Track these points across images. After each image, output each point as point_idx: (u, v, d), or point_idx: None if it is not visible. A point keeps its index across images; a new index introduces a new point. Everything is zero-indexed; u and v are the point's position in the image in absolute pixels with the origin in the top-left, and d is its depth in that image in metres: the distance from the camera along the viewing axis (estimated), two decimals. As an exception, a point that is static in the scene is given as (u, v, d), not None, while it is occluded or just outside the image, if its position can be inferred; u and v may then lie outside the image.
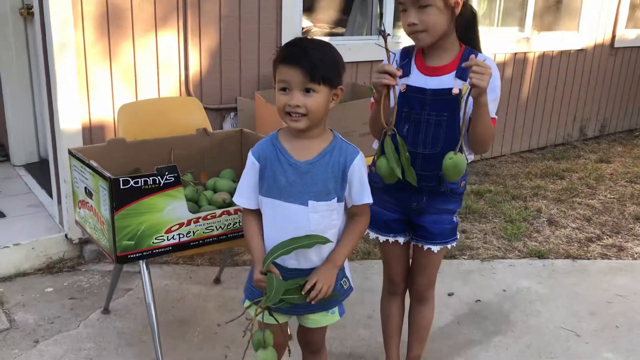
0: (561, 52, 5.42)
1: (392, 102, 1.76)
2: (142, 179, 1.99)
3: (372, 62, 4.15)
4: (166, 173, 2.03)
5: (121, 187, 1.96)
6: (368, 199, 1.75)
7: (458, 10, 1.81)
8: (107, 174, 1.96)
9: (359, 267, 3.19)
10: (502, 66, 4.98)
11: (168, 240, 2.09)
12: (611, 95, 6.09)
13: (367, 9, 4.41)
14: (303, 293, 1.65)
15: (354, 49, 4.04)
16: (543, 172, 4.85)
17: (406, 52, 1.91)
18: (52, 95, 3.04)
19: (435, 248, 1.98)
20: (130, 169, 2.42)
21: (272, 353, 1.63)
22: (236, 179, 2.58)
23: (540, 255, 3.37)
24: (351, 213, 1.79)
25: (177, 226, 2.09)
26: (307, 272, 1.70)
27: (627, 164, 5.16)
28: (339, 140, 1.73)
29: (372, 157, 3.30)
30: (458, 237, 2.06)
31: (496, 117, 1.89)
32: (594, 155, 5.44)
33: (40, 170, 4.10)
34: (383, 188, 1.96)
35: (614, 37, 5.82)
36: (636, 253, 3.45)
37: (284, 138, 1.72)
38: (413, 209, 1.96)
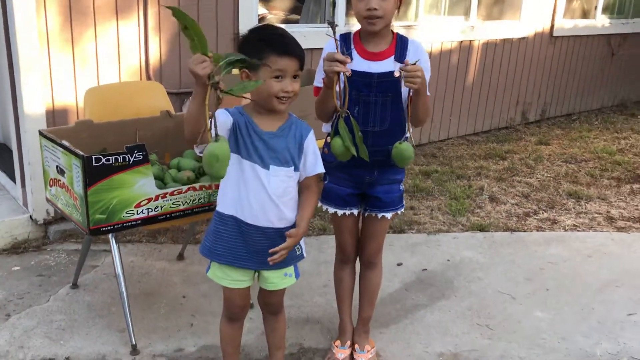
0: (504, 40, 5.73)
1: (341, 87, 1.96)
2: (113, 157, 2.14)
3: (325, 48, 4.33)
4: (135, 151, 2.18)
5: (94, 164, 2.10)
6: (321, 168, 1.99)
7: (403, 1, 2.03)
8: (80, 152, 2.10)
9: (315, 242, 3.40)
10: (448, 53, 5.25)
11: (138, 214, 2.25)
12: (551, 82, 6.46)
13: (321, -2, 4.59)
14: (269, 259, 1.86)
15: (309, 36, 4.21)
16: (486, 154, 5.15)
17: (344, 40, 2.10)
18: (16, 80, 3.12)
19: (388, 215, 2.22)
20: (98, 149, 2.56)
21: (222, 144, 1.63)
22: (199, 158, 2.74)
23: (482, 229, 3.65)
24: (305, 185, 2.00)
25: (146, 201, 2.25)
26: (263, 229, 1.90)
27: (564, 146, 5.52)
28: (294, 118, 1.97)
29: (323, 139, 3.50)
30: (404, 204, 2.29)
31: (429, 94, 2.11)
32: (535, 137, 5.79)
33: (0, 155, 4.15)
34: (337, 166, 2.16)
35: (552, 26, 6.17)
36: (567, 225, 3.77)
37: (249, 111, 1.90)
38: (366, 182, 2.17)
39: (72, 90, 3.30)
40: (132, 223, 2.25)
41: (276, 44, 1.81)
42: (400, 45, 2.07)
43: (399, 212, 2.26)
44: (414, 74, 1.90)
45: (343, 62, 1.86)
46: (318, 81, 2.12)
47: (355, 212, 2.25)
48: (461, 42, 5.35)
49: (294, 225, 1.96)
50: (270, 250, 1.85)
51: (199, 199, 2.38)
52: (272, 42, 1.81)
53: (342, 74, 1.91)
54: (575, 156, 5.18)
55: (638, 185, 4.51)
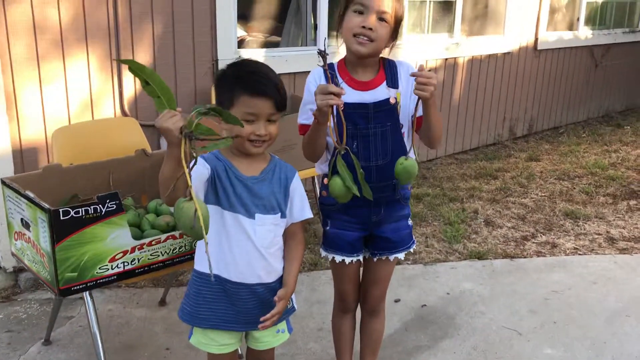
0: (489, 56, 5.62)
1: (335, 121, 1.78)
2: (83, 209, 1.94)
3: (308, 72, 4.15)
4: (107, 201, 1.97)
5: (61, 218, 1.90)
6: (309, 213, 1.83)
7: (397, 30, 1.86)
8: (46, 206, 1.90)
9: (307, 279, 3.21)
10: (434, 71, 5.10)
11: (112, 269, 2.04)
12: (537, 95, 6.36)
13: (302, 20, 4.43)
14: (260, 325, 1.67)
15: (290, 60, 4.06)
16: (477, 173, 5.01)
17: (329, 69, 1.92)
18: (-22, 119, 2.91)
19: (401, 255, 2.04)
20: (68, 195, 2.36)
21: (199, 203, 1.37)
22: (179, 199, 2.55)
23: (480, 256, 3.49)
24: (290, 233, 1.83)
25: (121, 254, 2.05)
26: (252, 287, 1.73)
27: (555, 162, 5.40)
28: (277, 159, 1.81)
29: (312, 169, 3.32)
30: (415, 239, 2.11)
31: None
32: (524, 153, 5.67)
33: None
34: (340, 209, 1.97)
35: (536, 40, 6.08)
36: (568, 249, 3.62)
37: (227, 155, 1.73)
38: (373, 222, 1.99)
39: (41, 128, 3.09)
40: (107, 279, 2.04)
41: (248, 83, 1.65)
42: (389, 70, 1.91)
43: (412, 249, 2.08)
44: (429, 80, 1.72)
45: (338, 94, 1.69)
46: (304, 118, 1.94)
47: (362, 257, 2.07)
48: (446, 59, 5.22)
49: (281, 279, 1.78)
50: (262, 319, 1.66)
51: (179, 248, 2.18)
52: (244, 81, 1.65)
53: (335, 107, 1.73)
54: (568, 172, 5.05)
55: (635, 202, 4.39)
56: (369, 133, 1.87)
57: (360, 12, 1.80)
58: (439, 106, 5.22)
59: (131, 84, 3.40)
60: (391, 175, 1.90)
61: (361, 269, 2.14)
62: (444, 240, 3.70)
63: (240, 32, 4.65)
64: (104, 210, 1.97)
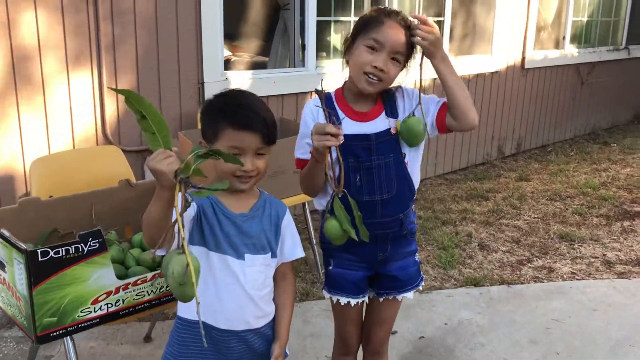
0: (477, 75, 5.57)
1: (333, 160, 1.69)
2: (63, 248, 1.80)
3: (297, 94, 4.08)
4: (90, 239, 1.84)
5: (40, 259, 1.76)
6: (300, 252, 1.74)
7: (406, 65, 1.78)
8: (22, 246, 1.76)
9: (298, 310, 3.07)
10: (424, 92, 5.03)
11: (95, 311, 1.90)
12: (525, 114, 6.33)
13: (289, 40, 4.34)
14: None
15: (278, 81, 3.96)
16: (468, 194, 4.93)
17: (326, 100, 1.81)
18: (-48, 148, 2.76)
19: (409, 294, 1.93)
20: (47, 230, 2.22)
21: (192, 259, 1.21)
22: (165, 231, 2.42)
23: (476, 283, 3.39)
24: (280, 274, 1.73)
25: (105, 295, 1.91)
26: (240, 334, 1.63)
27: (545, 181, 5.34)
28: (266, 195, 1.71)
29: (304, 195, 3.21)
30: (423, 275, 2.01)
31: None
32: (514, 173, 5.61)
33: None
34: (343, 248, 1.86)
35: (523, 58, 6.05)
36: (565, 273, 3.54)
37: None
38: (379, 260, 1.88)
39: (19, 158, 2.94)
40: (89, 323, 1.90)
41: (233, 116, 1.54)
42: (387, 98, 1.82)
43: (420, 287, 1.97)
44: (429, 28, 1.64)
45: (336, 135, 1.59)
46: (300, 152, 1.84)
47: (366, 299, 1.95)
48: (434, 79, 5.13)
49: (272, 322, 1.69)
50: None
51: (167, 286, 2.05)
52: (229, 114, 1.54)
53: (337, 147, 1.63)
54: (559, 193, 4.99)
55: (628, 223, 4.33)
56: (372, 165, 1.77)
57: (373, 48, 1.70)
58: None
59: (113, 109, 3.27)
60: (398, 209, 1.81)
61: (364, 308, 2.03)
62: (438, 266, 3.59)
63: (226, 52, 4.55)
64: (86, 250, 1.84)
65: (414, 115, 1.76)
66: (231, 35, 4.50)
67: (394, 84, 1.81)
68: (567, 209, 4.61)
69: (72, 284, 1.83)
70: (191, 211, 1.52)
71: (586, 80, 7.04)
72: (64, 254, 1.80)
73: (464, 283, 3.40)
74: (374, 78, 1.71)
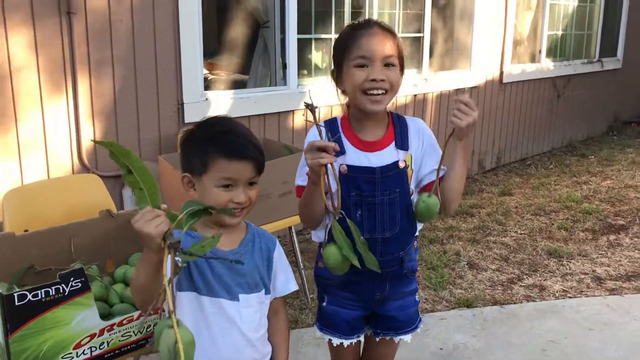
0: (457, 91, 5.55)
1: (333, 183, 1.58)
2: (43, 290, 1.66)
3: (279, 113, 3.98)
4: (71, 279, 1.71)
5: (16, 303, 1.62)
6: (294, 285, 1.64)
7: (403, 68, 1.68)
8: (-3, 290, 1.62)
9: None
10: (403, 108, 5.00)
11: (78, 356, 1.76)
12: (504, 128, 6.33)
13: (270, 59, 4.25)
14: None
15: (260, 101, 3.86)
16: (453, 211, 4.87)
17: (331, 127, 1.72)
18: None
19: (407, 337, 1.82)
20: (23, 267, 2.07)
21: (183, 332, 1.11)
22: (149, 263, 2.29)
23: (469, 304, 3.31)
24: (272, 309, 1.63)
25: (88, 338, 1.77)
26: None
27: (527, 196, 5.32)
28: (253, 227, 1.60)
29: (291, 218, 3.09)
30: (421, 317, 1.90)
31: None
32: (496, 188, 5.58)
33: None
34: (339, 284, 1.76)
35: (501, 73, 6.06)
36: (557, 291, 3.48)
37: (200, 228, 1.50)
38: (377, 300, 1.77)
39: (-11, 185, 2.79)
40: (71, 369, 1.76)
41: (225, 145, 1.44)
42: (399, 128, 1.70)
43: (418, 329, 1.86)
44: (469, 110, 1.52)
45: (327, 149, 1.47)
46: (301, 180, 1.73)
47: (362, 338, 1.84)
48: (415, 95, 5.12)
49: None
50: None
51: (154, 325, 1.92)
52: (220, 143, 1.44)
53: (332, 165, 1.50)
54: (543, 207, 4.97)
55: (614, 237, 4.31)
56: (375, 201, 1.65)
57: (363, 66, 1.60)
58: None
59: (89, 133, 3.13)
60: (399, 248, 1.69)
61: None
62: (429, 287, 3.51)
63: (204, 71, 4.44)
64: (67, 290, 1.71)
65: (431, 195, 1.63)
66: (208, 53, 4.39)
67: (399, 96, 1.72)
68: (552, 223, 4.58)
69: (52, 329, 1.70)
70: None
71: (562, 93, 7.09)
72: (43, 296, 1.67)
73: (456, 304, 3.32)
74: (378, 92, 1.60)
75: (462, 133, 1.57)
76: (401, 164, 1.66)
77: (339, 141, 1.68)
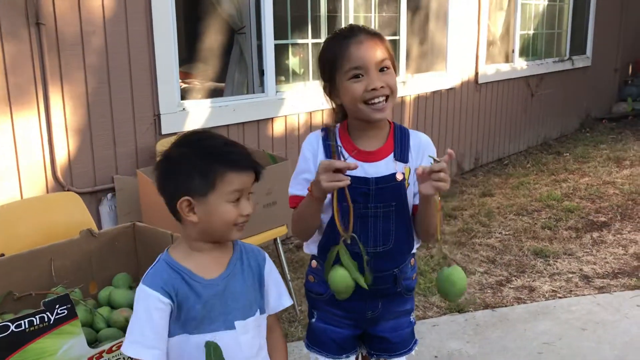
0: (434, 93, 5.53)
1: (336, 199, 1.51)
2: (26, 320, 1.55)
3: (258, 121, 3.89)
4: (57, 306, 1.60)
5: (-2, 335, 1.51)
6: (288, 300, 1.55)
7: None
8: (-24, 322, 1.50)
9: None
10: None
11: (65, 388, 1.65)
12: (480, 129, 6.34)
13: (246, 66, 4.16)
14: None
15: (238, 109, 3.76)
16: (435, 214, 4.83)
17: (328, 136, 1.65)
18: None
19: None
20: (2, 293, 1.95)
21: None
22: (133, 284, 2.18)
23: (460, 309, 3.26)
24: (267, 327, 1.53)
25: (76, 368, 1.66)
26: None
27: (508, 196, 5.32)
28: (240, 243, 1.50)
29: (279, 228, 3.00)
30: (417, 338, 1.82)
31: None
32: (476, 189, 5.57)
33: None
34: (328, 300, 1.68)
35: (477, 74, 6.07)
36: (546, 292, 3.46)
37: (182, 258, 1.41)
38: (368, 319, 1.69)
39: (-41, 206, 2.64)
40: (59, 402, 1.65)
41: (231, 158, 1.36)
42: (400, 139, 1.63)
43: (413, 352, 1.79)
44: (442, 176, 1.44)
45: (344, 170, 1.41)
46: (297, 189, 1.65)
47: (353, 358, 1.77)
48: (418, 94, 5.07)
49: None
50: None
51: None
52: (226, 156, 1.35)
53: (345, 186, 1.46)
54: (525, 207, 4.97)
55: (597, 234, 4.32)
56: (368, 214, 1.58)
57: (358, 76, 1.53)
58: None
59: (64, 147, 3.00)
60: (392, 265, 1.62)
61: None
62: (418, 293, 3.45)
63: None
64: (52, 319, 1.60)
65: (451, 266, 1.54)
66: (182, 61, 4.29)
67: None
68: (535, 223, 4.58)
69: (37, 360, 1.58)
70: (164, 308, 1.35)
71: (535, 92, 7.14)
72: (27, 326, 1.56)
73: (447, 310, 3.27)
74: (380, 100, 1.53)
75: (437, 193, 1.50)
76: (399, 177, 1.59)
77: (336, 150, 1.62)
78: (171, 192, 1.37)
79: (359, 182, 1.57)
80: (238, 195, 1.36)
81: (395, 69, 1.63)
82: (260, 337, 1.48)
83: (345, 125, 1.64)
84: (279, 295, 1.53)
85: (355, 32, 1.58)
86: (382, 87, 1.53)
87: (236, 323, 1.40)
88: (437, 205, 1.53)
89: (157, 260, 1.43)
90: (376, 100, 1.53)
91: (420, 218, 1.61)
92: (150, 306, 1.35)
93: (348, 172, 1.57)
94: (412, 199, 1.64)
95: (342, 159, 1.54)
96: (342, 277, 1.50)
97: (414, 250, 1.70)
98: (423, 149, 1.64)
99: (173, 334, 1.37)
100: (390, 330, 1.71)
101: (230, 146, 1.40)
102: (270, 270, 1.52)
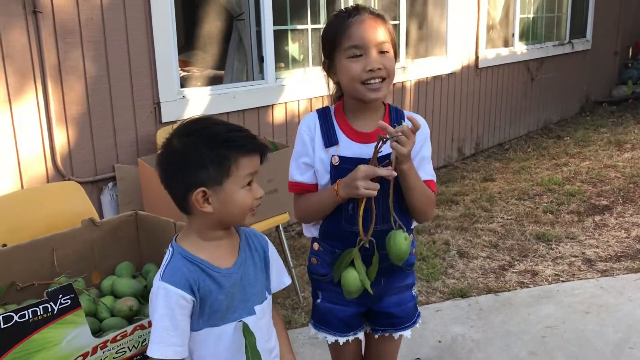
0: (434, 78, 5.50)
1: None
2: (30, 310, 1.54)
3: (258, 108, 3.87)
4: (60, 296, 1.59)
5: (2, 326, 1.50)
6: (288, 279, 1.56)
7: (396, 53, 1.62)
8: (-20, 313, 1.49)
9: (283, 341, 2.86)
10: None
11: (71, 378, 1.65)
12: (481, 113, 6.31)
13: (245, 52, 4.13)
14: None
15: (238, 96, 3.74)
16: (437, 200, 4.82)
17: (324, 115, 1.66)
18: None
19: (406, 333, 1.76)
20: (4, 284, 1.94)
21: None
22: (136, 273, 2.18)
23: (463, 294, 3.26)
24: None
25: (81, 358, 1.65)
26: None
27: (509, 180, 5.31)
28: (240, 228, 1.48)
29: (281, 216, 2.99)
30: (420, 312, 1.84)
31: (434, 178, 1.72)
32: (477, 174, 5.56)
33: None
34: (332, 280, 1.69)
35: (477, 58, 6.04)
36: (549, 276, 3.46)
37: (195, 248, 1.39)
38: (372, 296, 1.70)
39: (-41, 197, 2.62)
40: (64, 392, 1.64)
41: (242, 142, 1.34)
42: (395, 120, 1.64)
43: (417, 324, 1.80)
44: (408, 138, 1.48)
45: (387, 177, 1.48)
46: (299, 174, 1.66)
47: (361, 335, 1.77)
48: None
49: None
50: None
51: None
52: (237, 141, 1.33)
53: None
54: (526, 191, 4.95)
55: (599, 217, 4.31)
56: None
57: (357, 56, 1.53)
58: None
59: (63, 137, 2.98)
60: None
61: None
62: (421, 278, 3.45)
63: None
64: (56, 309, 1.58)
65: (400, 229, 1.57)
66: (183, 49, 4.25)
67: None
68: (537, 207, 4.57)
69: (41, 350, 1.57)
70: (186, 304, 1.34)
71: (535, 76, 7.11)
72: (30, 316, 1.54)
73: (450, 295, 3.27)
74: (376, 81, 1.54)
75: (405, 159, 1.52)
76: (394, 156, 1.59)
77: (332, 131, 1.63)
78: (181, 185, 1.33)
79: (358, 163, 1.57)
80: (250, 179, 1.35)
81: (396, 54, 1.63)
82: (270, 318, 1.50)
83: (342, 105, 1.64)
84: (279, 273, 1.54)
85: (359, 11, 1.59)
86: (379, 68, 1.53)
87: (256, 308, 1.41)
88: (407, 177, 1.55)
89: (168, 254, 1.39)
90: (372, 81, 1.54)
91: (405, 196, 1.62)
92: (172, 304, 1.33)
93: (347, 154, 1.58)
94: None
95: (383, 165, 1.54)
96: (355, 279, 1.55)
97: (412, 227, 1.71)
98: (418, 133, 1.63)
99: (197, 329, 1.36)
100: (394, 305, 1.73)
101: (236, 131, 1.37)
102: (272, 252, 1.52)
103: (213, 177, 1.30)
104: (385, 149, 1.59)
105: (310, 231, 1.75)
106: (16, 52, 2.77)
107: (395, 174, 1.50)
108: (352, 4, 1.66)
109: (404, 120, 1.59)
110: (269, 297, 1.48)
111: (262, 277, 1.46)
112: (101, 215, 3.17)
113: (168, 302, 1.32)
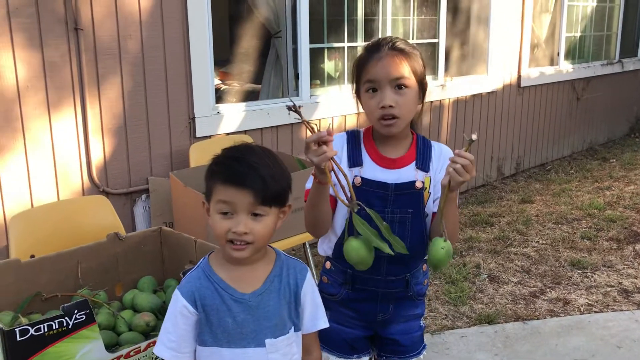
0: (474, 96, 5.44)
1: (341, 177, 1.51)
2: (46, 324, 1.60)
3: (292, 125, 3.91)
4: (75, 311, 1.64)
5: (18, 339, 1.56)
6: (324, 323, 1.51)
7: (424, 89, 1.62)
8: (-1, 325, 1.56)
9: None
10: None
11: (83, 391, 1.69)
12: (522, 133, 6.20)
13: (282, 69, 4.18)
14: None
15: (272, 113, 3.79)
16: (472, 220, 4.76)
17: (353, 137, 1.68)
18: None
19: None
20: (29, 294, 2.01)
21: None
22: (158, 288, 2.22)
23: (490, 320, 3.20)
24: (304, 346, 1.50)
25: (94, 372, 1.70)
26: None
27: (548, 203, 5.19)
28: (284, 258, 1.46)
29: (307, 233, 3.01)
30: (425, 343, 1.82)
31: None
32: (515, 195, 5.45)
33: None
34: (341, 301, 1.71)
35: (519, 77, 5.94)
36: (582, 305, 3.36)
37: (219, 267, 1.40)
38: (379, 321, 1.71)
39: (-2, 207, 2.75)
40: (77, 405, 1.69)
41: (224, 170, 1.33)
42: (422, 149, 1.65)
43: (421, 357, 1.78)
44: (470, 167, 1.43)
45: (323, 140, 1.40)
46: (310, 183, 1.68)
47: (366, 359, 1.77)
48: (431, 102, 5.01)
49: None
50: None
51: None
52: (221, 168, 1.34)
53: (334, 160, 1.46)
54: (565, 215, 4.83)
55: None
56: (385, 218, 1.57)
57: (373, 90, 1.56)
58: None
59: (100, 150, 3.08)
60: (405, 270, 1.64)
61: None
62: (448, 302, 3.41)
63: (216, 81, 4.39)
64: (71, 323, 1.64)
65: (446, 240, 1.52)
66: (221, 61, 4.34)
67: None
68: (575, 232, 4.45)
69: (56, 363, 1.63)
70: (190, 316, 1.37)
71: (582, 96, 6.94)
72: (46, 330, 1.60)
73: (477, 321, 3.22)
74: (388, 118, 1.55)
75: (457, 187, 1.49)
76: (418, 185, 1.61)
77: (358, 153, 1.64)
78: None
79: (378, 187, 1.59)
80: (226, 209, 1.32)
81: (425, 85, 1.63)
82: (291, 354, 1.43)
83: (371, 129, 1.66)
84: (315, 314, 1.49)
85: (379, 47, 1.60)
86: (390, 106, 1.53)
87: (267, 341, 1.38)
88: (445, 194, 1.50)
89: (197, 264, 1.44)
90: (385, 121, 1.56)
91: (437, 217, 1.59)
92: (177, 310, 1.38)
93: (369, 177, 1.59)
94: (431, 206, 1.65)
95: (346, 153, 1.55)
96: (354, 249, 1.49)
97: (426, 257, 1.69)
98: (444, 159, 1.64)
99: (205, 344, 1.38)
100: (400, 333, 1.73)
101: (232, 160, 1.34)
102: (308, 289, 1.46)
103: (207, 193, 1.37)
104: (407, 177, 1.59)
105: (324, 249, 1.76)
106: (57, 67, 2.88)
107: (329, 130, 1.43)
108: (380, 38, 1.67)
109: (470, 136, 1.52)
110: (291, 334, 1.42)
111: (285, 311, 1.42)
112: (134, 227, 3.25)
113: (175, 308, 1.39)
